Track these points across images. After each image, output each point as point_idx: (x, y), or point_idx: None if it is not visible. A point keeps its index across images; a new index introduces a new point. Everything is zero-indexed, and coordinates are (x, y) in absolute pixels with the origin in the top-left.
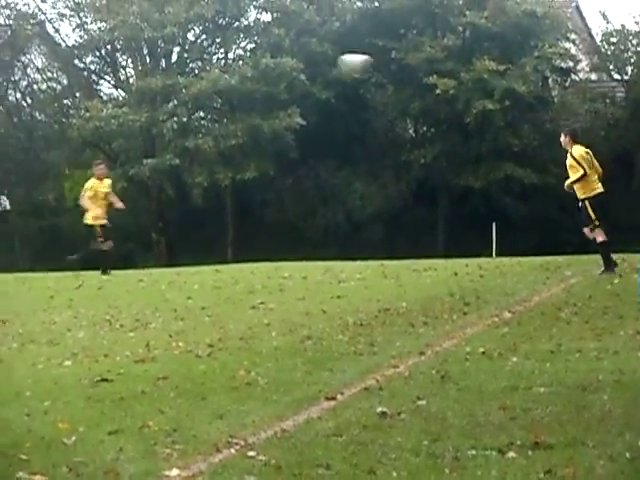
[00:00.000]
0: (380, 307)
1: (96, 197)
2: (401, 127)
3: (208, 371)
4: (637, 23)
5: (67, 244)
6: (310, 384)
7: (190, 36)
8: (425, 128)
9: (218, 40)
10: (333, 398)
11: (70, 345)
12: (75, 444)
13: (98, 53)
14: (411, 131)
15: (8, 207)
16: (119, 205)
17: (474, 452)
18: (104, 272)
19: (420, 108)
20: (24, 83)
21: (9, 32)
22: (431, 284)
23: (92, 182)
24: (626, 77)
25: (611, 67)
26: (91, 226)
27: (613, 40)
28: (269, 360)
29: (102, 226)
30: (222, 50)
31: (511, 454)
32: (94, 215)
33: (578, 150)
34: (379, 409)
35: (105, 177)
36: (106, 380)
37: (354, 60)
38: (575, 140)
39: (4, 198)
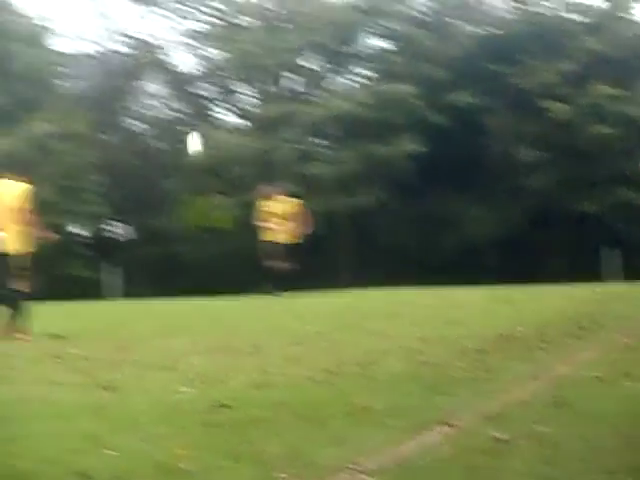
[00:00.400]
0: (496, 332)
1: (275, 215)
2: (516, 152)
3: (325, 396)
4: None
5: (187, 271)
6: (426, 409)
7: (307, 63)
8: (540, 152)
9: (334, 67)
10: (449, 423)
11: (187, 371)
12: (193, 470)
13: (216, 80)
14: (526, 156)
15: (128, 234)
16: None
17: (588, 477)
18: (274, 292)
19: (535, 133)
20: (143, 111)
21: (128, 60)
22: (546, 308)
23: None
24: None
25: None
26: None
27: None
28: (386, 386)
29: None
30: (338, 77)
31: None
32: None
33: None
34: (494, 434)
35: (280, 196)
36: (223, 406)
37: None
38: None
39: (124, 225)
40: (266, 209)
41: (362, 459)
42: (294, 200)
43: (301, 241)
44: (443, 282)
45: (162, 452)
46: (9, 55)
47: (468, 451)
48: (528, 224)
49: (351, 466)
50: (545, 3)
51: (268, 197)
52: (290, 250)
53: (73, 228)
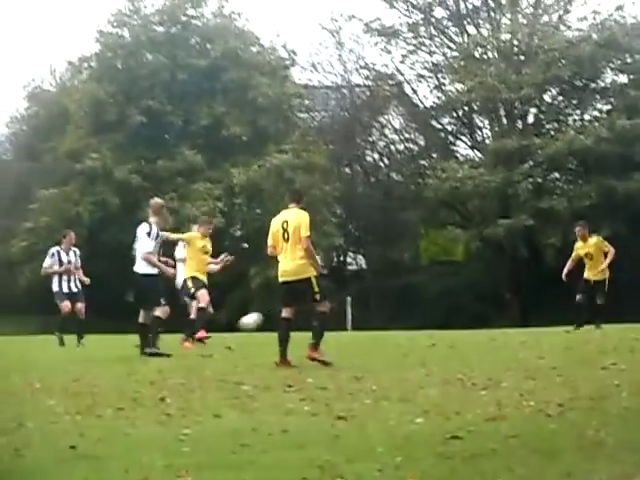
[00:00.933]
0: None
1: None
2: None
3: (558, 430)
4: None
5: (421, 303)
6: None
7: (547, 97)
8: None
9: (574, 101)
10: None
11: (422, 402)
12: None
13: (455, 114)
14: None
15: (364, 266)
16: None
17: None
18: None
19: None
20: (382, 144)
21: (368, 93)
22: None
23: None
24: None
25: None
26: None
27: None
28: (618, 420)
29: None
30: (578, 111)
31: None
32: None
33: None
34: None
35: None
36: (457, 437)
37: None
38: None
39: (360, 257)
40: (580, 250)
41: None
42: (597, 238)
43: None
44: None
45: None
46: (252, 86)
47: None
48: None
49: None
50: None
51: (583, 238)
52: (599, 287)
53: None
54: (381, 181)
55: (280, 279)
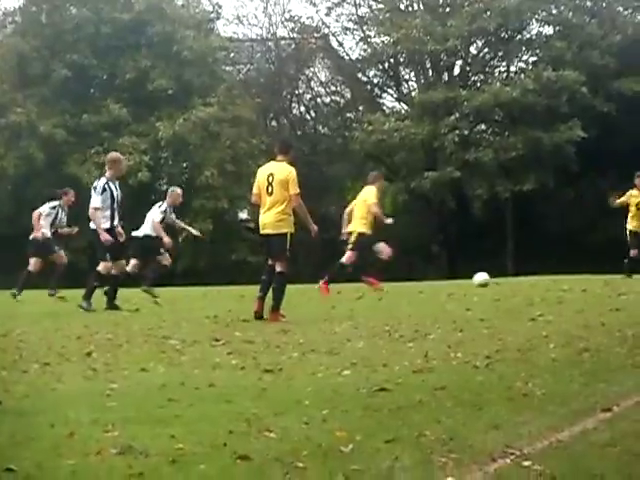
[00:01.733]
0: None
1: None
2: None
3: (485, 382)
4: None
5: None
6: (586, 396)
7: (472, 49)
8: None
9: (500, 53)
10: (609, 410)
11: (349, 355)
12: (352, 452)
13: (381, 66)
14: None
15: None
16: None
17: None
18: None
19: None
20: (308, 96)
21: (293, 45)
22: None
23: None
24: None
25: None
26: None
27: None
28: (546, 372)
29: None
30: (504, 63)
31: None
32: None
33: None
34: None
35: None
36: (384, 389)
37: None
38: None
39: None
40: (633, 198)
41: (521, 444)
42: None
43: None
44: (609, 270)
45: (323, 435)
46: (177, 40)
47: (627, 437)
48: None
49: (510, 451)
50: None
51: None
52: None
53: (241, 213)
54: (308, 134)
55: (261, 231)
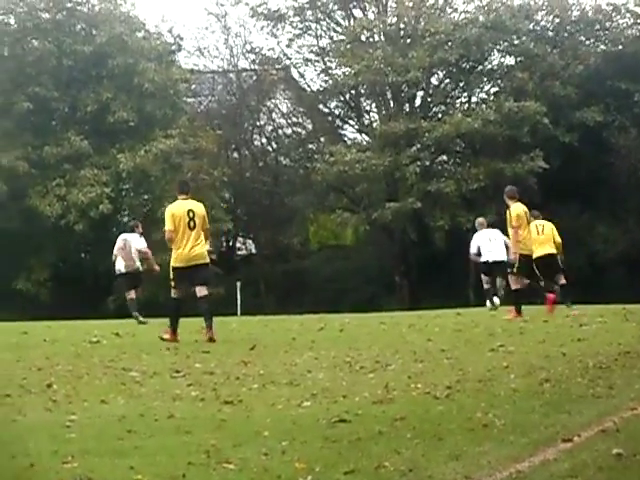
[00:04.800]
0: (620, 350)
1: None
2: None
3: (445, 412)
4: None
5: (311, 287)
6: (547, 426)
7: (434, 80)
8: None
9: (461, 84)
10: (570, 440)
11: (310, 386)
12: None
13: (342, 98)
14: None
15: (254, 250)
16: None
17: None
18: None
19: None
20: (269, 128)
21: (255, 77)
22: None
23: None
24: None
25: None
26: None
27: None
28: (507, 402)
29: None
30: (465, 94)
31: None
32: None
33: None
34: (615, 451)
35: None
36: (344, 421)
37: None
38: None
39: (249, 242)
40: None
41: (481, 475)
42: None
43: None
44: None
45: (282, 466)
46: (138, 72)
47: (588, 467)
48: None
49: None
50: None
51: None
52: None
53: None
54: (269, 165)
55: (188, 263)
